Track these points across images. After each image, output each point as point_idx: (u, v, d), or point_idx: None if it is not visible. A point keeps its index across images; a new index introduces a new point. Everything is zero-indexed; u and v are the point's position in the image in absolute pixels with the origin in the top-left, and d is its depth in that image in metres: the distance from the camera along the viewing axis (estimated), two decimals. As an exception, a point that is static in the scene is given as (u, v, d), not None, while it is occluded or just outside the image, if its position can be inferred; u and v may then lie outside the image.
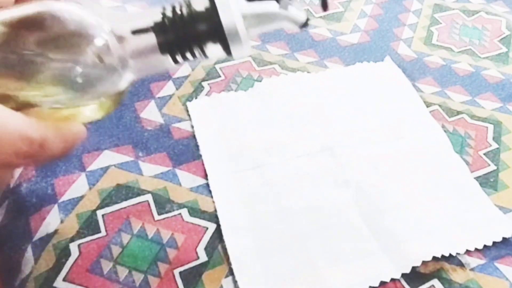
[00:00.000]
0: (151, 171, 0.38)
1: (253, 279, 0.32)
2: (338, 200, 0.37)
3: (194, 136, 0.40)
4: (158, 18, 0.26)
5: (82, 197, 0.36)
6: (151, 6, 0.52)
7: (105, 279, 0.32)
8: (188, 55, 0.26)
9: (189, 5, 0.26)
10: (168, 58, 0.26)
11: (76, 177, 0.37)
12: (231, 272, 0.33)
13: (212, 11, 0.25)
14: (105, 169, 0.37)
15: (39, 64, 0.24)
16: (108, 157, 0.38)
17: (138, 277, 0.32)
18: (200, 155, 0.39)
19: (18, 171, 0.37)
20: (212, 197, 0.37)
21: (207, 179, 0.38)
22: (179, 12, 0.26)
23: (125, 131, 0.40)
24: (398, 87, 0.47)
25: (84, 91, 0.25)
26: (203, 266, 0.33)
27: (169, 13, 0.26)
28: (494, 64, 0.51)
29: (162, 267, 0.32)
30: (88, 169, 0.37)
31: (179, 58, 0.26)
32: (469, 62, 0.51)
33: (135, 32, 0.26)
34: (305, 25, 0.27)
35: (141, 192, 0.36)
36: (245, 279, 0.32)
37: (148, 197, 0.36)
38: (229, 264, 0.33)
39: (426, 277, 0.33)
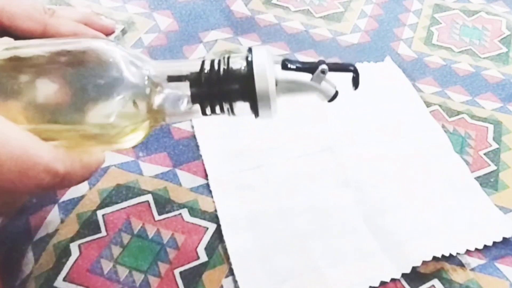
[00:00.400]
0: (151, 171, 0.38)
1: (253, 279, 0.32)
2: (338, 200, 0.37)
3: (194, 136, 0.40)
4: (196, 69, 0.26)
5: (82, 197, 0.36)
6: (151, 6, 0.52)
7: (105, 279, 0.32)
8: (217, 109, 0.27)
9: (227, 63, 0.26)
10: (197, 109, 0.27)
11: (76, 177, 0.37)
12: (231, 272, 0.33)
13: (248, 73, 0.26)
14: (105, 169, 0.37)
15: (78, 101, 0.25)
16: (108, 157, 0.38)
17: (138, 277, 0.32)
18: (200, 155, 0.39)
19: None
20: (212, 197, 0.37)
21: (207, 179, 0.38)
22: (216, 67, 0.26)
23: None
24: (398, 87, 0.47)
25: (114, 130, 0.25)
26: (204, 266, 0.33)
27: (207, 66, 0.26)
28: (494, 64, 0.51)
29: (163, 267, 0.32)
30: (88, 169, 0.37)
31: (208, 110, 0.27)
32: (469, 62, 0.51)
33: (171, 79, 0.26)
34: (333, 98, 0.28)
35: (141, 192, 0.36)
36: (245, 279, 0.32)
37: (149, 197, 0.36)
38: (229, 264, 0.33)
39: (426, 277, 0.33)
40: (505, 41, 0.54)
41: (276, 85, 0.26)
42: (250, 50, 0.27)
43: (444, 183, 0.39)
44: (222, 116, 0.28)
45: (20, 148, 0.21)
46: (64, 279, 0.31)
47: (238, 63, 0.26)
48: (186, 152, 0.39)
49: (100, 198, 0.36)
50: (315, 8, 0.55)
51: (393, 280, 0.33)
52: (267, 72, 0.26)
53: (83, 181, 0.25)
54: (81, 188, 0.36)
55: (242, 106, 0.27)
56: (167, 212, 0.35)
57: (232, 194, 0.37)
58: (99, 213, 0.35)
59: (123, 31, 0.48)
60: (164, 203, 0.36)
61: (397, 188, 0.38)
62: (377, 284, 0.33)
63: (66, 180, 0.24)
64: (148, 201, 0.36)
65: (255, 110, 0.26)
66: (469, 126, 0.44)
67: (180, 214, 0.35)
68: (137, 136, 0.26)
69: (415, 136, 0.42)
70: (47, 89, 0.25)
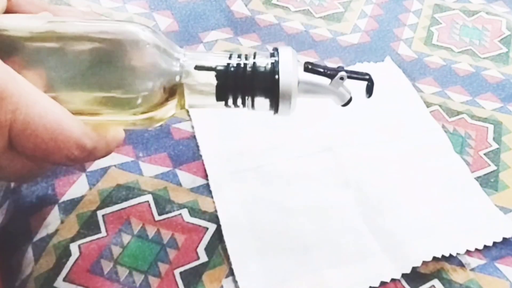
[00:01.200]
0: (151, 171, 0.38)
1: (253, 279, 0.32)
2: (338, 200, 0.37)
3: (194, 137, 0.40)
4: (223, 61, 0.28)
5: (82, 197, 0.36)
6: (151, 6, 0.52)
7: (105, 279, 0.32)
8: (239, 102, 0.28)
9: (253, 59, 0.28)
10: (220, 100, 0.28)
11: (76, 178, 0.37)
12: (231, 272, 0.33)
13: (273, 72, 0.27)
14: (105, 170, 0.37)
15: (111, 81, 0.26)
16: (108, 157, 0.38)
17: (138, 277, 0.32)
18: (201, 156, 0.39)
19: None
20: (212, 197, 0.37)
21: (207, 179, 0.38)
22: (243, 62, 0.28)
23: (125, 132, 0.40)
24: (399, 87, 0.47)
25: (138, 111, 0.27)
26: (204, 266, 0.33)
27: (234, 60, 0.28)
28: (494, 64, 0.51)
29: (163, 267, 0.32)
30: (88, 170, 0.37)
31: (229, 102, 0.28)
32: (469, 62, 0.51)
33: (198, 68, 0.27)
34: (347, 103, 0.30)
35: (141, 193, 0.36)
36: (246, 279, 0.32)
37: (149, 198, 0.36)
38: (230, 264, 0.33)
39: (426, 277, 0.33)
40: (505, 41, 0.54)
41: (297, 85, 0.28)
42: (276, 49, 0.28)
43: (444, 183, 0.39)
44: (241, 108, 0.29)
45: (55, 122, 0.23)
46: (64, 280, 0.31)
47: (264, 61, 0.28)
48: (186, 152, 0.39)
49: (100, 198, 0.36)
50: (315, 8, 0.55)
51: (393, 280, 0.33)
52: (291, 72, 0.27)
53: (106, 155, 0.27)
54: (81, 189, 0.36)
55: (263, 102, 0.28)
56: (167, 212, 0.35)
57: (232, 194, 0.37)
58: (99, 213, 0.35)
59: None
60: (164, 203, 0.36)
61: (397, 188, 0.38)
62: (377, 284, 0.33)
63: (92, 155, 0.25)
64: (148, 201, 0.36)
65: (275, 107, 0.28)
66: (469, 126, 0.44)
67: (180, 214, 0.35)
68: (157, 118, 0.28)
69: (415, 136, 0.42)
70: (82, 64, 0.26)
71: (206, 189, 0.37)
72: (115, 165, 0.38)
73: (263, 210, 0.36)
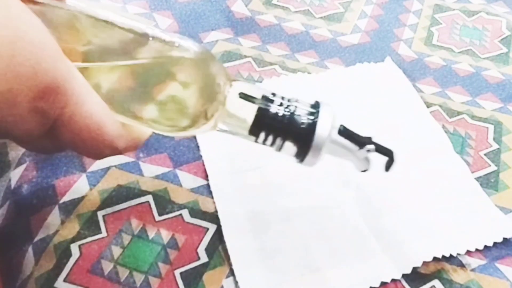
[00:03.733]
0: (151, 171, 0.38)
1: (253, 280, 0.32)
2: (339, 200, 0.37)
3: (194, 137, 0.40)
4: (267, 96, 0.28)
5: (82, 198, 0.36)
6: (151, 6, 0.52)
7: (106, 279, 0.32)
8: (269, 141, 0.29)
9: (295, 105, 0.28)
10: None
11: (76, 178, 0.37)
12: (231, 273, 0.33)
13: (312, 123, 0.28)
14: (105, 170, 0.37)
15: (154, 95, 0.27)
16: (108, 158, 0.38)
17: (139, 278, 0.32)
18: (201, 156, 0.39)
19: (18, 173, 0.37)
20: (212, 197, 0.37)
21: (207, 179, 0.38)
22: (286, 104, 0.28)
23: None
24: (399, 88, 0.47)
25: (177, 129, 0.28)
26: (204, 267, 0.33)
27: (278, 101, 0.28)
28: (495, 64, 0.51)
29: (163, 267, 0.32)
30: (88, 170, 0.37)
31: (260, 137, 0.29)
32: (469, 63, 0.51)
33: (243, 95, 0.28)
34: (364, 171, 0.31)
35: (141, 193, 0.36)
36: (246, 279, 0.32)
37: (149, 198, 0.36)
38: (230, 264, 0.33)
39: (426, 278, 0.33)
40: (505, 42, 0.54)
41: (329, 143, 0.29)
42: (318, 105, 0.29)
43: (445, 183, 0.39)
44: (267, 147, 0.29)
45: (97, 124, 0.24)
46: (65, 280, 0.31)
47: (305, 113, 0.28)
48: (187, 152, 0.39)
49: (101, 198, 0.36)
50: (315, 9, 0.56)
51: (393, 280, 0.33)
52: (327, 131, 0.28)
53: (132, 151, 0.29)
54: (82, 189, 0.36)
55: (291, 149, 0.29)
56: (167, 213, 0.35)
57: (232, 195, 0.37)
58: (100, 213, 0.35)
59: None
60: (164, 204, 0.36)
61: (398, 188, 0.38)
62: (377, 285, 0.33)
63: (120, 153, 0.27)
64: (148, 201, 0.36)
65: (302, 155, 0.29)
66: (469, 126, 0.44)
67: (180, 214, 0.35)
68: (191, 134, 0.29)
69: (415, 136, 0.42)
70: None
71: (206, 190, 0.37)
72: (115, 166, 0.38)
73: (263, 210, 0.36)
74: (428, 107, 0.45)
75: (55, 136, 0.24)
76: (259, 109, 0.28)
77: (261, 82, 0.46)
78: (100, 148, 0.25)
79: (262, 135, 0.28)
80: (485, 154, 0.42)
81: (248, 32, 0.51)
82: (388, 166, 0.31)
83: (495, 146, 0.43)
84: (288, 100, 0.29)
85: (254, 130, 0.28)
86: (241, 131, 0.29)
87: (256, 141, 0.29)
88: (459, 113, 0.45)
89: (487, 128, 0.44)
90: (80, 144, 0.24)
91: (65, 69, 0.22)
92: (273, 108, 0.28)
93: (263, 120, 0.28)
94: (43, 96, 0.22)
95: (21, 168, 0.37)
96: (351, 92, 0.45)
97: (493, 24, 0.56)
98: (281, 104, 0.28)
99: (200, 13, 0.52)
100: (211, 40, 0.50)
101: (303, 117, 0.28)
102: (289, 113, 0.28)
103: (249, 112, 0.28)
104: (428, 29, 0.54)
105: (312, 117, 0.28)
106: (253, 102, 0.28)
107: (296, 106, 0.28)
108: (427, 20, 0.56)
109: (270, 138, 0.28)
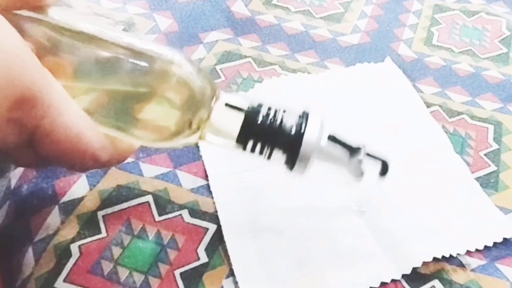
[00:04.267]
0: (151, 172, 0.38)
1: (254, 280, 0.32)
2: (339, 200, 0.37)
3: (194, 137, 0.40)
4: (253, 107, 0.28)
5: (82, 198, 0.36)
6: (151, 7, 0.52)
7: (105, 280, 0.32)
8: (257, 149, 0.29)
9: (283, 114, 0.28)
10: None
11: (76, 178, 0.37)
12: (231, 273, 0.33)
13: (300, 131, 0.28)
14: (105, 170, 0.37)
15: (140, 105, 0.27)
16: (108, 158, 0.38)
17: (138, 278, 0.32)
18: (201, 156, 0.39)
19: (18, 173, 0.37)
20: (212, 198, 0.37)
21: (207, 180, 0.38)
22: (272, 113, 0.28)
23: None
24: (399, 88, 0.47)
25: (162, 139, 0.28)
26: (204, 267, 0.33)
27: (264, 110, 0.28)
28: (495, 64, 0.51)
29: (163, 268, 0.32)
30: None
31: (248, 146, 0.29)
32: (469, 63, 0.51)
33: (229, 106, 0.28)
34: (359, 179, 0.31)
35: (141, 193, 0.36)
36: (246, 279, 0.32)
37: (149, 198, 0.36)
38: (230, 264, 0.33)
39: (426, 278, 0.33)
40: (505, 42, 0.54)
41: (318, 152, 0.28)
42: (306, 114, 0.29)
43: (444, 183, 0.39)
44: (256, 155, 0.29)
45: (77, 135, 0.24)
46: (65, 280, 0.31)
47: (292, 122, 0.28)
48: (187, 153, 0.39)
49: (101, 199, 0.36)
50: (315, 9, 0.56)
51: (393, 280, 0.33)
52: (314, 144, 0.28)
53: (116, 165, 0.29)
54: (81, 189, 0.36)
55: (280, 156, 0.29)
56: (167, 213, 0.35)
57: (232, 195, 0.37)
58: (100, 214, 0.35)
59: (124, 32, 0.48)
60: (164, 204, 0.36)
61: (397, 188, 0.38)
62: (377, 285, 0.33)
63: (105, 165, 0.27)
64: (148, 201, 0.36)
65: (291, 163, 0.29)
66: (469, 126, 0.44)
67: (180, 214, 0.35)
68: (177, 145, 0.29)
69: (415, 136, 0.42)
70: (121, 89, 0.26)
71: (206, 190, 0.37)
72: (115, 166, 0.38)
73: (263, 211, 0.36)
74: (428, 107, 0.45)
75: (36, 148, 0.24)
76: (246, 118, 0.28)
77: (261, 82, 0.46)
78: (82, 159, 0.24)
79: (249, 144, 0.29)
80: (485, 154, 0.42)
81: (248, 32, 0.51)
82: (382, 173, 0.31)
83: (495, 146, 0.43)
84: (276, 109, 0.29)
85: (242, 139, 0.28)
86: (229, 141, 0.29)
87: (244, 149, 0.29)
88: (459, 113, 0.45)
89: (487, 128, 0.44)
90: (61, 156, 0.24)
91: (42, 79, 0.22)
92: (260, 117, 0.28)
93: (250, 128, 0.28)
94: (19, 106, 0.21)
95: (21, 168, 0.37)
96: (351, 92, 0.46)
97: (493, 24, 0.56)
98: (268, 113, 0.28)
99: (200, 13, 0.53)
100: (211, 40, 0.50)
101: (291, 126, 0.28)
102: (276, 122, 0.28)
103: (236, 121, 0.28)
104: (428, 29, 0.54)
105: (300, 126, 0.28)
106: (240, 111, 0.28)
107: (283, 115, 0.28)
108: (427, 20, 0.56)
109: (258, 146, 0.29)
